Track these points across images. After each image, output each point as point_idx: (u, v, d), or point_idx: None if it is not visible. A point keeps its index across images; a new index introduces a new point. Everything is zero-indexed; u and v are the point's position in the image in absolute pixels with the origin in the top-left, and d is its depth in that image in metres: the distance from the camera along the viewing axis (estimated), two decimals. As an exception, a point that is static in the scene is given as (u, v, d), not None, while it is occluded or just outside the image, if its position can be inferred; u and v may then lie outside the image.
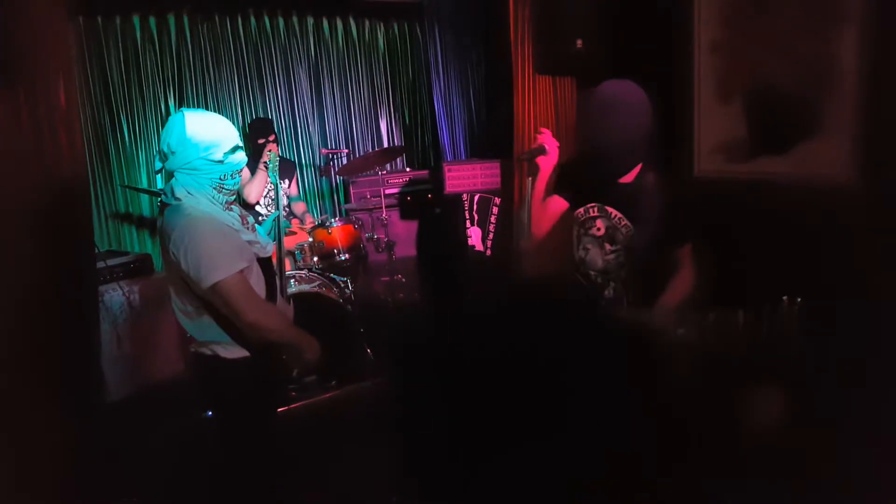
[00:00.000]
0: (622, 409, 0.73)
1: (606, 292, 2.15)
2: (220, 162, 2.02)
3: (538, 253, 2.27)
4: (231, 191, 2.11)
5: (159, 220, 2.09)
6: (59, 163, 2.45)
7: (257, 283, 2.15)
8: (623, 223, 2.11)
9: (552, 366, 0.73)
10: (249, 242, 2.11)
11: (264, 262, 2.21)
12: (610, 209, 2.14)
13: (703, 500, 0.71)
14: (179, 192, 2.02)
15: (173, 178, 2.05)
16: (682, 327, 1.60)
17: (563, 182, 2.24)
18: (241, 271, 2.00)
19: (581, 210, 2.21)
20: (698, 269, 2.02)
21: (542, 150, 2.10)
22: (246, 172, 4.21)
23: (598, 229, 2.17)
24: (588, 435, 0.72)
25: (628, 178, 2.11)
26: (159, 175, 2.07)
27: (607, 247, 2.16)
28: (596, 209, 2.17)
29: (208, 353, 2.13)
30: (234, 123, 4.10)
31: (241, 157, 2.10)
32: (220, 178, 2.04)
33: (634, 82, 2.03)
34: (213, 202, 2.05)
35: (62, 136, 2.44)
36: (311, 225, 4.30)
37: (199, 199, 2.02)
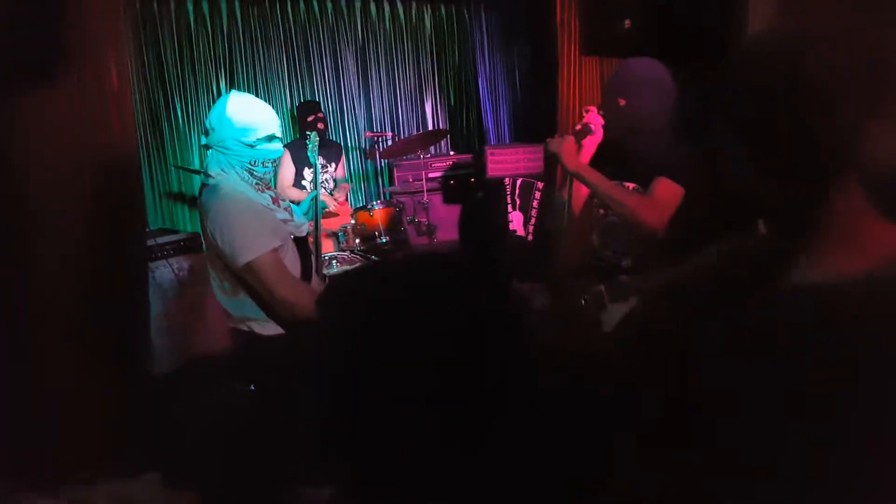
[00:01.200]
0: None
1: (624, 263, 2.13)
2: (251, 146, 2.06)
3: (575, 238, 2.26)
4: (261, 178, 2.15)
5: (199, 199, 2.16)
6: (112, 145, 2.54)
7: (293, 262, 2.18)
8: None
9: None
10: (283, 221, 2.15)
11: (299, 241, 2.25)
12: (627, 184, 2.11)
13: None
14: (213, 169, 2.07)
15: (210, 155, 2.10)
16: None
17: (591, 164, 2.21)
18: (275, 250, 2.02)
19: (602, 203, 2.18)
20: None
21: (588, 131, 2.06)
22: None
23: None
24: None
25: (649, 150, 2.09)
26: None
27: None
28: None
29: (245, 329, 2.19)
30: (282, 104, 4.17)
31: (276, 147, 2.12)
32: (251, 164, 2.08)
33: (662, 63, 2.03)
34: (245, 182, 2.10)
35: (115, 119, 2.53)
36: (335, 202, 4.31)
37: (232, 178, 2.07)
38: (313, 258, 2.38)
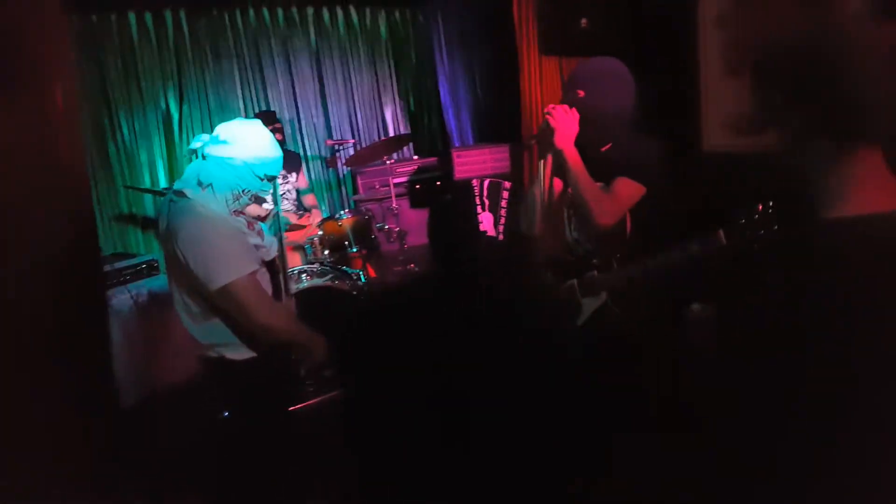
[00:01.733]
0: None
1: (595, 259, 2.11)
2: (257, 177, 2.02)
3: (550, 234, 2.23)
4: (239, 206, 2.06)
5: (162, 219, 2.02)
6: (60, 166, 2.38)
7: (266, 284, 2.09)
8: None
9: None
10: (256, 247, 2.06)
11: (268, 263, 2.16)
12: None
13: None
14: (192, 183, 1.95)
15: (202, 164, 1.99)
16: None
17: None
18: (253, 273, 1.95)
19: (569, 189, 2.11)
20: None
21: (551, 131, 2.00)
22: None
23: None
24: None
25: (605, 147, 2.10)
26: (192, 155, 2.06)
27: None
28: None
29: (214, 355, 2.07)
30: (237, 116, 3.98)
31: (268, 190, 2.12)
32: (243, 191, 2.02)
33: (623, 61, 2.05)
34: (224, 204, 2.00)
35: (62, 139, 2.37)
36: (319, 219, 4.23)
37: (210, 196, 1.96)
38: (281, 277, 2.27)
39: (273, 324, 1.97)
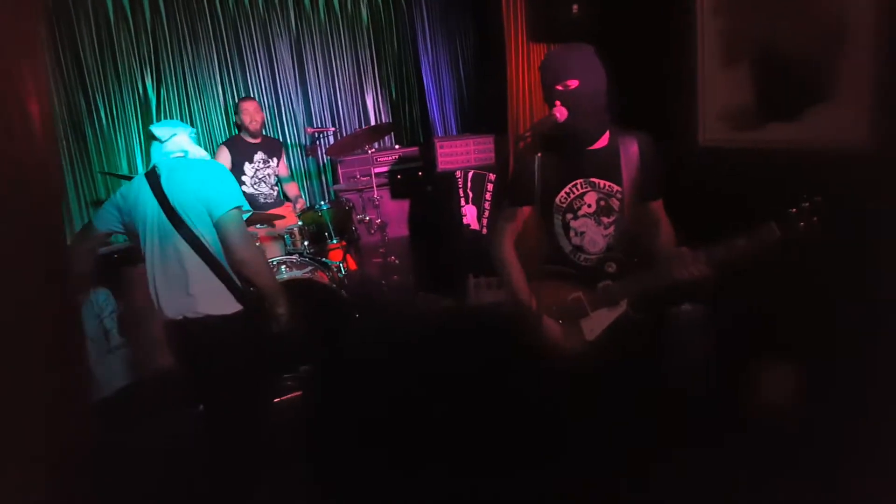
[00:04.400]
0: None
1: (608, 267, 2.00)
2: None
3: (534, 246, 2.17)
4: None
5: (166, 168, 2.38)
6: (32, 154, 2.29)
7: None
8: (615, 189, 1.98)
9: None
10: None
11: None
12: (596, 180, 1.99)
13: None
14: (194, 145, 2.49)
15: (193, 136, 2.51)
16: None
17: (523, 183, 2.07)
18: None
19: (563, 194, 2.02)
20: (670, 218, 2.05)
21: (555, 122, 1.89)
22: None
23: (590, 206, 2.01)
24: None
25: (601, 143, 2.00)
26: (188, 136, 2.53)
27: (604, 220, 2.01)
28: (580, 184, 2.01)
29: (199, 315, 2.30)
30: (215, 101, 3.96)
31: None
32: None
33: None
34: None
35: (35, 124, 2.28)
36: (302, 209, 4.17)
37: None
38: None
39: (257, 260, 2.38)
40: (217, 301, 2.32)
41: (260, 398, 2.67)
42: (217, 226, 2.32)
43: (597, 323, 1.98)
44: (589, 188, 2.00)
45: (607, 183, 1.98)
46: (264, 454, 2.35)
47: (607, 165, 1.98)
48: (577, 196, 2.01)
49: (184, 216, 2.29)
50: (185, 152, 2.45)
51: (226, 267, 2.33)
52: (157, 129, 2.44)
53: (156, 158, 2.44)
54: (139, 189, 2.37)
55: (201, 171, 2.37)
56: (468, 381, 0.69)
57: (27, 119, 2.43)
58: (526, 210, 2.10)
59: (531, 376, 0.74)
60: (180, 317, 2.30)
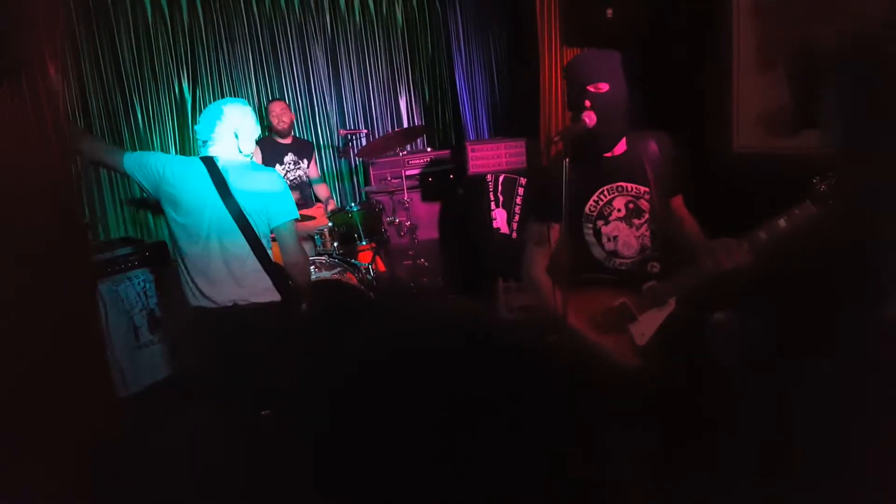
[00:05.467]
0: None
1: (652, 267, 1.97)
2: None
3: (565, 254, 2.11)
4: None
5: (237, 170, 2.50)
6: (50, 151, 2.31)
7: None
8: (643, 190, 1.97)
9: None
10: None
11: None
12: (623, 184, 1.98)
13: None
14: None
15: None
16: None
17: (552, 198, 1.91)
18: None
19: (591, 202, 1.99)
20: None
21: (585, 127, 1.85)
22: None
23: (619, 210, 1.99)
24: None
25: (621, 148, 1.99)
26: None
27: (636, 222, 1.98)
28: (608, 191, 1.98)
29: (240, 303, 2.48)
30: (250, 102, 4.05)
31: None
32: None
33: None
34: None
35: (49, 123, 2.29)
36: (332, 210, 4.17)
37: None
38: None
39: (305, 264, 2.67)
40: (264, 294, 2.54)
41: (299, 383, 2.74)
42: (275, 231, 2.58)
43: (647, 326, 1.92)
44: (616, 193, 1.99)
45: (635, 186, 1.97)
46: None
47: (632, 168, 1.97)
48: (606, 202, 1.99)
49: (251, 220, 2.48)
50: (250, 156, 2.61)
51: (273, 268, 2.56)
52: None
53: (219, 152, 2.52)
54: (196, 175, 2.46)
55: (269, 181, 2.55)
56: (526, 400, 0.66)
57: (45, 119, 2.40)
58: (555, 226, 2.04)
59: (589, 395, 0.70)
60: (230, 303, 2.48)
